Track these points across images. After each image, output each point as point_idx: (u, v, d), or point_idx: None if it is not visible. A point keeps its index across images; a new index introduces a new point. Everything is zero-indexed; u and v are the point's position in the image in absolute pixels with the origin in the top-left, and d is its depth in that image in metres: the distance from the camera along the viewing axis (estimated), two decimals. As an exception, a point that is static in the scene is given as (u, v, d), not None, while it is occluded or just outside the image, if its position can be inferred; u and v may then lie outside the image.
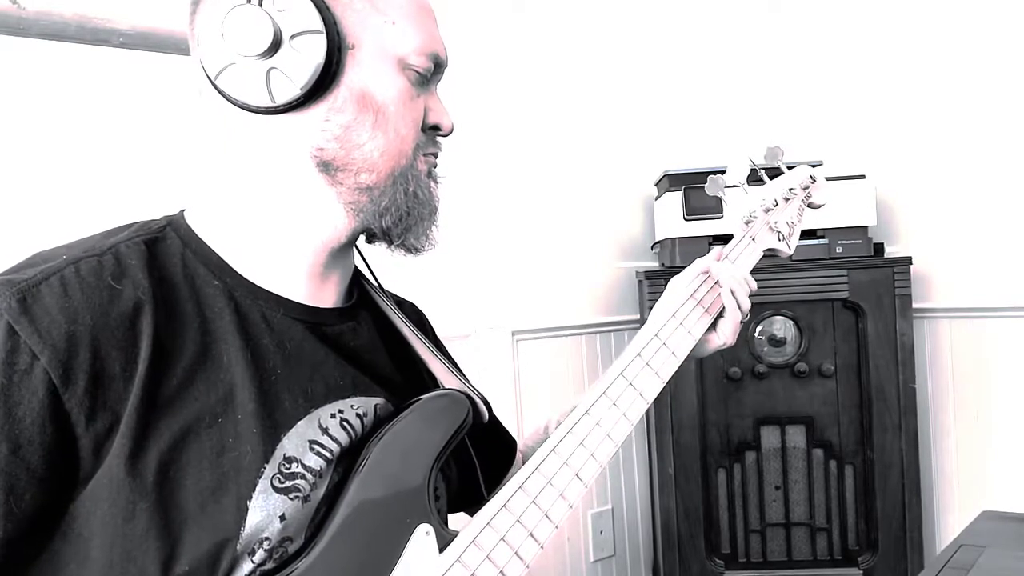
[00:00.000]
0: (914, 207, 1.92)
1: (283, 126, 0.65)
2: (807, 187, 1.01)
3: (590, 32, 2.02)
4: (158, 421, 0.57)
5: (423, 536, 0.64)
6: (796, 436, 1.76)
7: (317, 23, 0.62)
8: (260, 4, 0.62)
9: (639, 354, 0.80)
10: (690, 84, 2.12)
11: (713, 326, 0.89)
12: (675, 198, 1.76)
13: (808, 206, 1.02)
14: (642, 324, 1.98)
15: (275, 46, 0.62)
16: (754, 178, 0.99)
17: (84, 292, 0.58)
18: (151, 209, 0.72)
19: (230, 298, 0.65)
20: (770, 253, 0.98)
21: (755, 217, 0.96)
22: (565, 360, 1.96)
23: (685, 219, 1.75)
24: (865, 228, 1.74)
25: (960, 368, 1.86)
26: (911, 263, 1.70)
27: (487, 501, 0.69)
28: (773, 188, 0.98)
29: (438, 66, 0.71)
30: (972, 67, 1.81)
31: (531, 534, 0.67)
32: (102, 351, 0.56)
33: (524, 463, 0.71)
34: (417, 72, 0.68)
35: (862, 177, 1.74)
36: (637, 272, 2.00)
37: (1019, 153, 1.75)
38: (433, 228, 0.72)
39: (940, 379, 1.89)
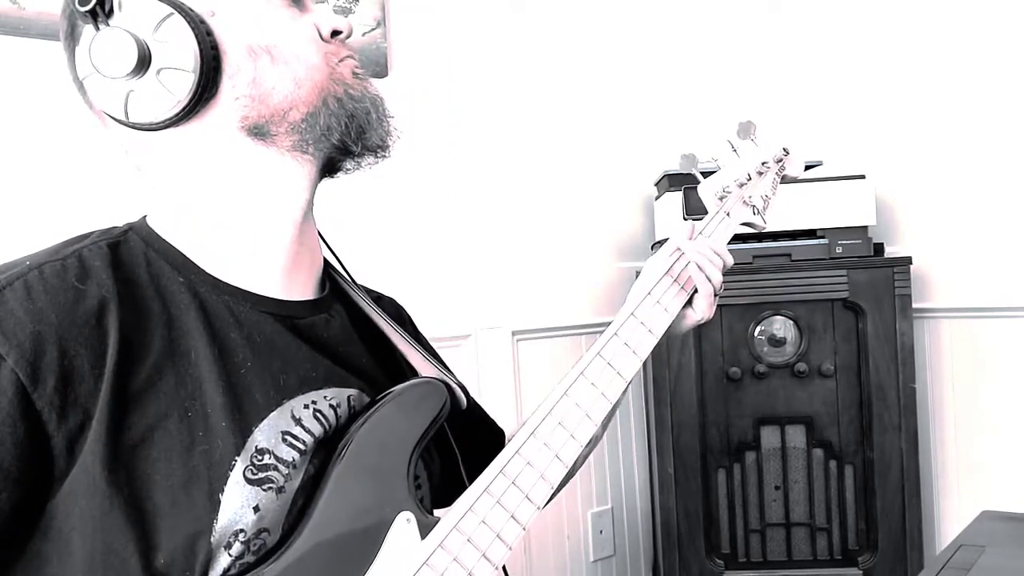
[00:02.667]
0: (914, 207, 1.92)
1: (202, 123, 0.65)
2: (780, 160, 1.01)
3: (590, 32, 2.02)
4: (128, 416, 0.58)
5: (404, 523, 0.64)
6: (796, 436, 1.76)
7: (165, 9, 0.62)
8: (105, 26, 0.61)
9: (616, 333, 0.80)
10: (690, 84, 2.12)
11: (691, 302, 0.89)
12: (675, 198, 1.76)
13: (782, 179, 1.03)
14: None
15: (144, 61, 0.62)
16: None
17: (48, 293, 0.58)
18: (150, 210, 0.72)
19: (195, 294, 0.65)
20: (746, 226, 0.98)
21: (729, 192, 0.96)
22: (565, 360, 1.96)
23: (685, 219, 1.75)
24: (865, 228, 1.74)
25: (960, 368, 1.86)
26: (911, 263, 1.70)
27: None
28: (746, 162, 0.98)
29: None
30: (972, 67, 1.81)
31: (512, 516, 0.68)
32: (69, 350, 0.57)
33: None
34: None
35: (862, 177, 1.74)
36: (637, 272, 2.00)
37: (1019, 153, 1.75)
38: (387, 121, 0.71)
39: (940, 379, 1.89)
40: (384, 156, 0.72)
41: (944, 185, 1.87)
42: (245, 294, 0.68)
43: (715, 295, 0.89)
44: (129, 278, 0.63)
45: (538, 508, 0.69)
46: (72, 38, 0.66)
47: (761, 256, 1.74)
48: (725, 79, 2.13)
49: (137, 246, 0.66)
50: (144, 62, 0.62)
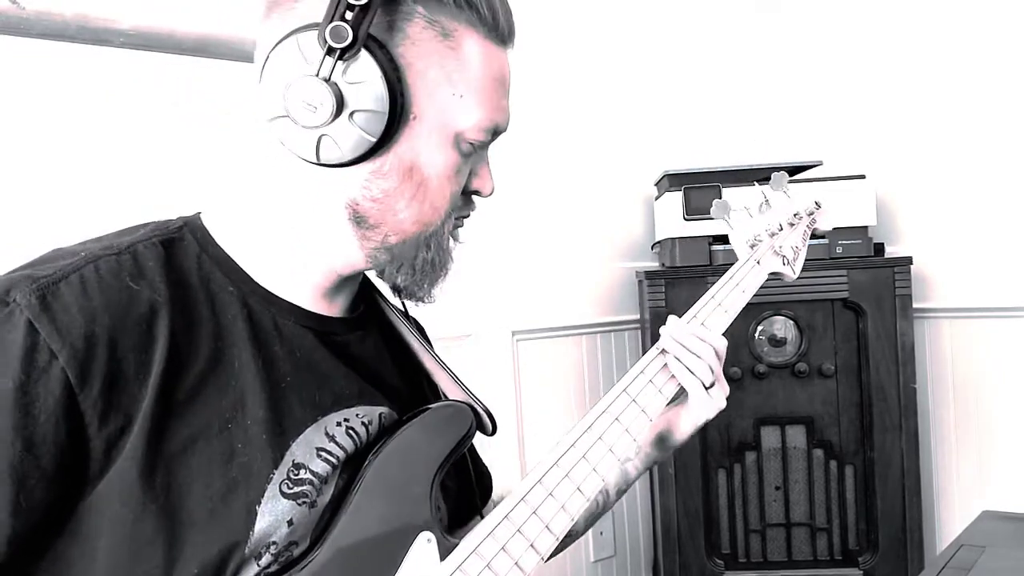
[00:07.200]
0: (914, 207, 1.92)
1: (324, 174, 0.65)
2: (812, 213, 1.03)
3: (590, 32, 2.02)
4: (169, 425, 0.57)
5: (424, 543, 0.64)
6: (796, 436, 1.75)
7: (383, 104, 0.61)
8: (329, 78, 0.60)
9: (625, 394, 0.80)
10: (690, 84, 2.12)
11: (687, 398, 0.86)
12: (675, 198, 1.76)
13: (812, 232, 1.04)
14: (642, 324, 1.99)
15: (332, 119, 0.61)
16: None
17: (103, 292, 0.58)
18: (150, 209, 0.72)
19: (244, 304, 0.65)
20: (774, 277, 0.98)
21: (760, 241, 0.97)
22: (565, 360, 1.96)
23: (685, 219, 1.75)
24: (865, 228, 1.74)
25: (960, 368, 1.86)
26: (911, 263, 1.70)
27: (482, 517, 0.69)
28: (778, 213, 1.00)
29: (495, 134, 0.70)
30: (972, 67, 1.81)
31: (532, 545, 0.68)
32: (119, 352, 0.56)
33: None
34: (472, 144, 0.67)
35: (862, 177, 1.74)
36: (637, 272, 2.00)
37: (1019, 153, 1.75)
38: (439, 286, 0.72)
39: (940, 379, 1.89)
40: (413, 303, 0.73)
41: (944, 185, 1.87)
42: (290, 307, 0.68)
43: (706, 388, 0.83)
44: (181, 280, 0.63)
45: (557, 539, 0.69)
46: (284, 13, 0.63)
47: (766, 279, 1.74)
48: (725, 79, 2.13)
49: (191, 247, 0.66)
50: (335, 112, 0.61)
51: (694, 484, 1.74)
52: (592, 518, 0.92)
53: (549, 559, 0.71)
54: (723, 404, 0.85)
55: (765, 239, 0.97)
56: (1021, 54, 1.74)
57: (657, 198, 1.92)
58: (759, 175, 1.85)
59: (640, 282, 1.95)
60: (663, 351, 0.83)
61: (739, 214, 0.98)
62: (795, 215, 1.00)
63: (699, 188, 1.75)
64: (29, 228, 1.24)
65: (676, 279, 1.74)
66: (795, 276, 1.00)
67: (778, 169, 1.84)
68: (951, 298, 1.86)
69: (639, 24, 2.09)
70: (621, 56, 2.06)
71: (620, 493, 0.94)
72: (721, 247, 1.75)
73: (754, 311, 1.74)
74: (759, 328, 1.75)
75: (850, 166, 1.87)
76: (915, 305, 1.74)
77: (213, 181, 1.35)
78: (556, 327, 1.94)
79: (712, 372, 0.83)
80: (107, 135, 1.32)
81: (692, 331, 0.83)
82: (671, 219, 1.77)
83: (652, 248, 2.07)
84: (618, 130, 2.05)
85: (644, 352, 2.09)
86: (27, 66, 1.26)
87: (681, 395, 0.86)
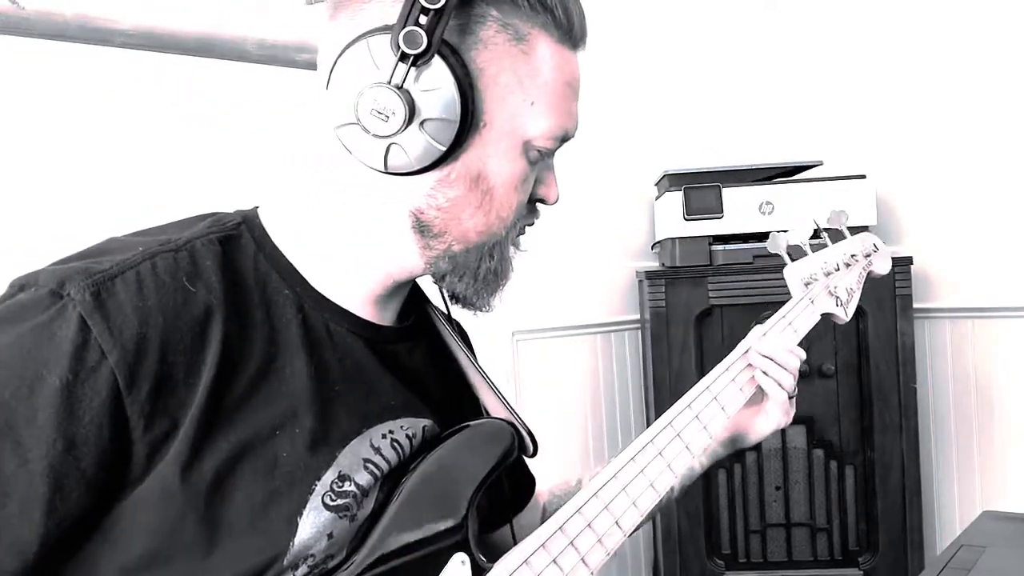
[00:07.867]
0: (914, 207, 1.92)
1: (389, 181, 0.63)
2: (869, 255, 1.01)
3: (589, 32, 2.02)
4: (217, 432, 0.56)
5: (459, 564, 0.63)
6: (796, 436, 1.75)
7: (455, 113, 0.59)
8: (402, 85, 0.58)
9: (689, 405, 0.79)
10: (690, 84, 2.12)
11: (762, 404, 0.88)
12: (675, 198, 1.76)
13: (868, 274, 1.02)
14: (642, 324, 1.99)
15: (404, 128, 0.59)
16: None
17: (158, 292, 0.56)
18: (150, 209, 0.72)
19: (299, 309, 0.63)
20: (826, 317, 0.97)
21: (815, 279, 0.95)
22: (565, 360, 1.96)
23: (685, 219, 1.75)
24: (865, 228, 1.73)
25: (961, 368, 1.86)
26: (912, 263, 1.70)
27: (514, 540, 0.67)
28: (835, 252, 0.98)
29: (564, 140, 0.68)
30: (972, 67, 1.81)
31: None
32: (169, 356, 0.55)
33: (544, 511, 0.70)
34: (540, 152, 0.66)
35: (862, 177, 1.74)
36: (637, 272, 2.00)
37: (1019, 153, 1.75)
38: (499, 295, 0.71)
39: (941, 379, 1.89)
40: (470, 312, 0.72)
41: (944, 185, 1.87)
42: (343, 313, 0.66)
43: (790, 399, 0.86)
44: (237, 280, 0.62)
45: (592, 573, 0.67)
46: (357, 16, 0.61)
47: (761, 256, 1.73)
48: (725, 79, 2.13)
49: (248, 246, 0.64)
50: (407, 121, 0.59)
51: (694, 484, 1.73)
52: (653, 513, 0.92)
53: None
54: (791, 413, 0.89)
55: (820, 278, 0.95)
56: (1021, 54, 1.74)
57: (657, 198, 1.92)
58: (759, 175, 1.85)
59: (640, 282, 1.95)
60: (749, 363, 0.85)
61: (795, 250, 0.96)
62: (852, 256, 0.98)
63: (699, 188, 1.75)
64: (29, 228, 1.24)
65: (676, 279, 1.74)
66: (847, 319, 0.98)
67: (778, 169, 1.84)
68: (951, 298, 1.86)
69: (639, 24, 2.09)
70: (621, 56, 2.06)
71: (684, 491, 0.96)
72: (721, 247, 1.75)
73: (754, 311, 1.74)
74: (759, 328, 1.75)
75: (850, 166, 1.87)
76: (915, 305, 1.73)
77: (271, 177, 1.36)
78: (556, 327, 1.94)
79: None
80: (107, 135, 1.32)
81: (783, 345, 0.86)
82: (671, 219, 1.77)
83: (652, 248, 2.06)
84: (618, 130, 2.05)
85: (644, 352, 2.08)
86: (27, 66, 1.26)
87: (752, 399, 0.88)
